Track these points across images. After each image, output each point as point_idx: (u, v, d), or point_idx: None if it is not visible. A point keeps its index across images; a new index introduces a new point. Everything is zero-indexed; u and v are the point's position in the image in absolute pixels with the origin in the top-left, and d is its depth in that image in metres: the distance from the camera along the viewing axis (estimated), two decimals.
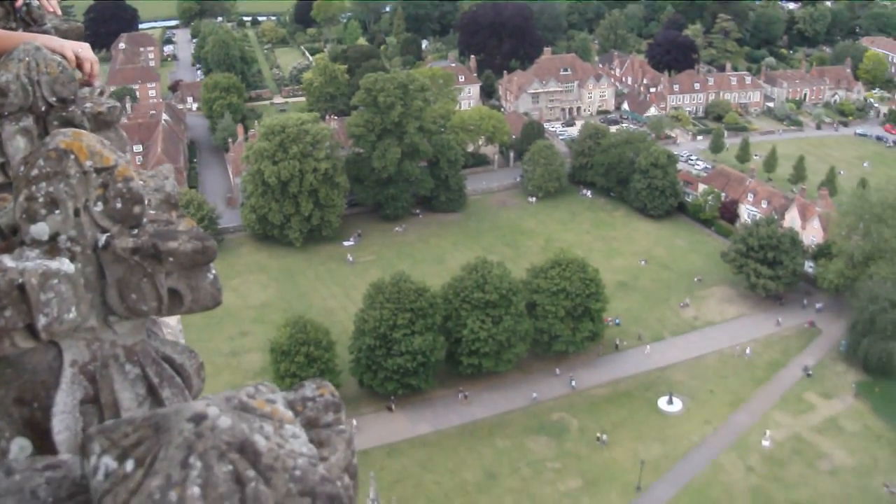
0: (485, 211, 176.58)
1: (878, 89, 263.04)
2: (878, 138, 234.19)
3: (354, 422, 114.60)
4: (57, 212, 5.14)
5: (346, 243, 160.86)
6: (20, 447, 5.37)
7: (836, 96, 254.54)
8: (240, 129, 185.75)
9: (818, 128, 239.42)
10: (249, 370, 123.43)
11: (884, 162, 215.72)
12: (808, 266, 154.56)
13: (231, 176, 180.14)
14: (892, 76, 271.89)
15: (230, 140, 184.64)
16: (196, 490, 3.22)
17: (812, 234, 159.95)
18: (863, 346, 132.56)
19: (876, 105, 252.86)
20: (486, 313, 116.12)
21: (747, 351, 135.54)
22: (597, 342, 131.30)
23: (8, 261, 4.98)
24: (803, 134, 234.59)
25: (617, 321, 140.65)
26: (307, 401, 4.07)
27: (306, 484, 3.42)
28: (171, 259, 5.31)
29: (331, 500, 3.39)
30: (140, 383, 5.65)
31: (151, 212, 5.85)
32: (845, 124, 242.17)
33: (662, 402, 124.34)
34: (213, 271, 5.72)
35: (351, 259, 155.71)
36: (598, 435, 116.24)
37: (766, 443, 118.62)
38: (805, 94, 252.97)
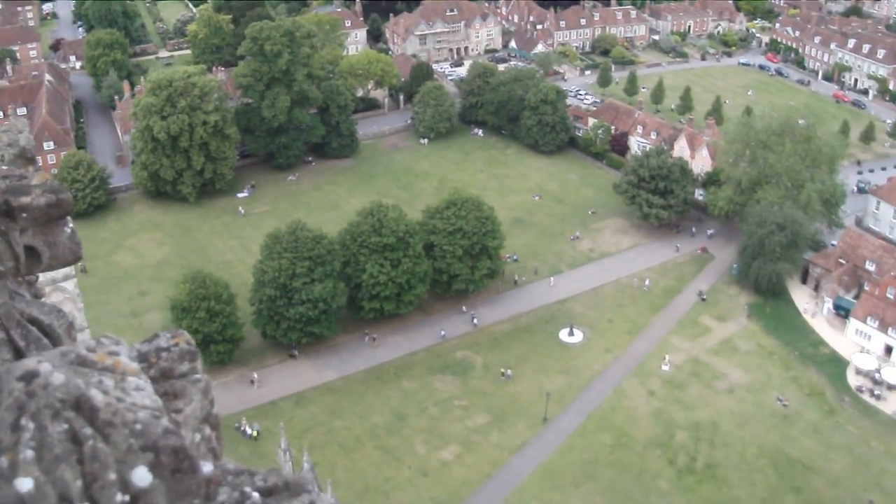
0: (378, 155, 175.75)
1: (759, 20, 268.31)
2: (761, 67, 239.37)
3: (255, 375, 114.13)
4: None
5: (240, 195, 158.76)
6: None
7: (720, 27, 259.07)
8: (126, 85, 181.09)
9: (703, 59, 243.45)
10: (151, 329, 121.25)
11: (767, 90, 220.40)
12: (699, 194, 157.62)
13: (120, 134, 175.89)
14: (773, 6, 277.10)
15: (116, 97, 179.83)
16: (29, 454, 3.00)
17: (701, 163, 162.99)
18: (753, 269, 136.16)
19: (758, 35, 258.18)
20: (385, 257, 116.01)
21: (646, 283, 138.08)
22: (496, 279, 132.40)
23: None
24: (689, 65, 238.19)
25: (514, 257, 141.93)
26: (161, 351, 3.91)
27: (148, 438, 3.23)
28: (24, 215, 5.03)
29: (175, 453, 3.23)
30: (5, 348, 5.40)
31: (4, 167, 5.56)
32: (729, 55, 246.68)
33: (563, 335, 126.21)
34: (70, 225, 5.46)
35: (242, 211, 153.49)
36: (503, 370, 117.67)
37: (665, 367, 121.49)
38: (689, 26, 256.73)
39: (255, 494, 3.49)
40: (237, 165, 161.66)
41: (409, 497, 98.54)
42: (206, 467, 3.40)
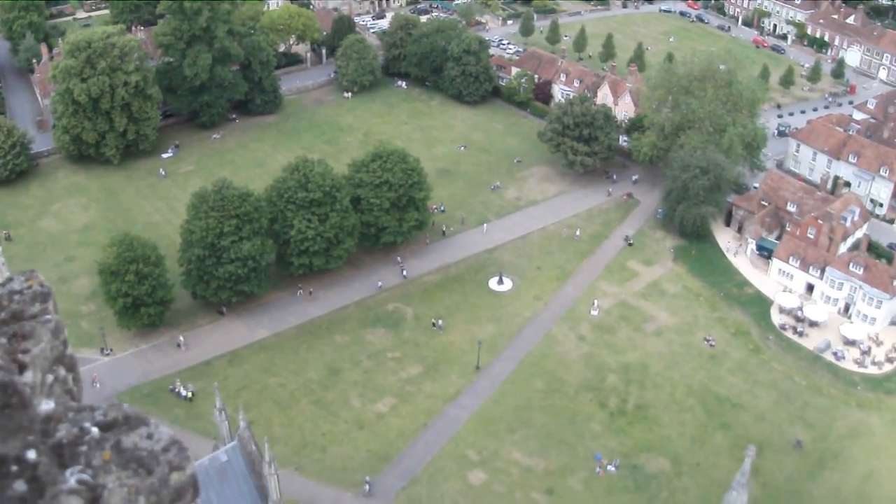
0: (302, 110, 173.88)
1: None
2: (682, 14, 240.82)
3: (181, 337, 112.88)
4: None
5: (164, 156, 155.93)
6: None
7: None
8: (43, 48, 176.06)
9: (624, 6, 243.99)
10: (80, 295, 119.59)
11: (688, 36, 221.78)
12: (622, 140, 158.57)
13: (39, 98, 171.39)
14: None
15: (34, 61, 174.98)
16: None
17: (624, 109, 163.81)
18: (678, 213, 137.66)
19: None
20: (312, 212, 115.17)
21: (577, 233, 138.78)
22: (424, 230, 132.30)
23: None
24: (610, 13, 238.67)
25: (442, 208, 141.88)
26: (14, 294, 3.69)
27: None
28: None
29: (2, 388, 3.05)
30: None
31: None
32: (650, 1, 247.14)
33: (493, 283, 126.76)
34: None
35: (163, 173, 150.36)
36: (434, 321, 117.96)
37: (594, 312, 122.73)
38: None
39: (94, 429, 3.31)
40: (160, 126, 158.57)
41: (346, 450, 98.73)
42: (46, 405, 3.21)
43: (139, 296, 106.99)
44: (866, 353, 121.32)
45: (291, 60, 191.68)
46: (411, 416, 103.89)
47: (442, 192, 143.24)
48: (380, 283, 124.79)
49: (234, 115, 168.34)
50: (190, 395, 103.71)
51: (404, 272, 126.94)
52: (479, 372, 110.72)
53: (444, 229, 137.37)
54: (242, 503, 71.04)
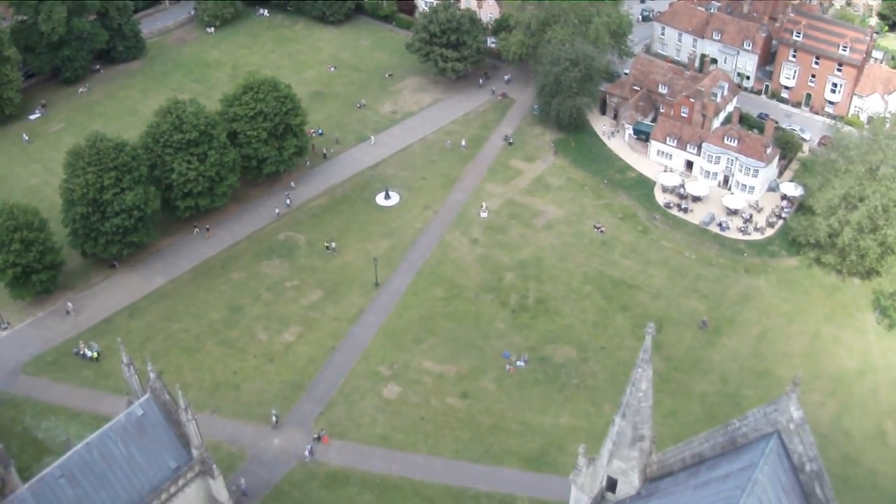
0: (166, 52, 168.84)
1: None
2: None
3: (70, 304, 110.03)
4: None
5: (31, 117, 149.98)
6: None
7: None
8: None
9: None
10: None
11: None
12: (491, 42, 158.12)
13: None
14: None
15: None
16: None
17: (489, 11, 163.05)
18: (553, 107, 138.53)
19: None
20: (190, 153, 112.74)
21: (463, 143, 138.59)
22: (304, 156, 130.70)
23: None
24: None
25: (319, 131, 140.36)
26: None
27: None
28: None
29: None
30: None
31: None
32: None
33: (380, 199, 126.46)
34: None
35: (27, 139, 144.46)
36: (327, 244, 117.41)
37: (483, 214, 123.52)
38: None
39: None
40: (23, 87, 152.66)
41: (259, 385, 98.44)
42: None
43: (28, 263, 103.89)
44: (748, 220, 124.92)
45: (149, 2, 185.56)
46: (318, 341, 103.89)
47: (317, 116, 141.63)
48: (277, 211, 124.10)
49: (97, 66, 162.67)
50: (95, 354, 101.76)
51: (288, 201, 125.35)
52: (379, 288, 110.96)
53: (324, 152, 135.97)
54: (165, 454, 70.75)
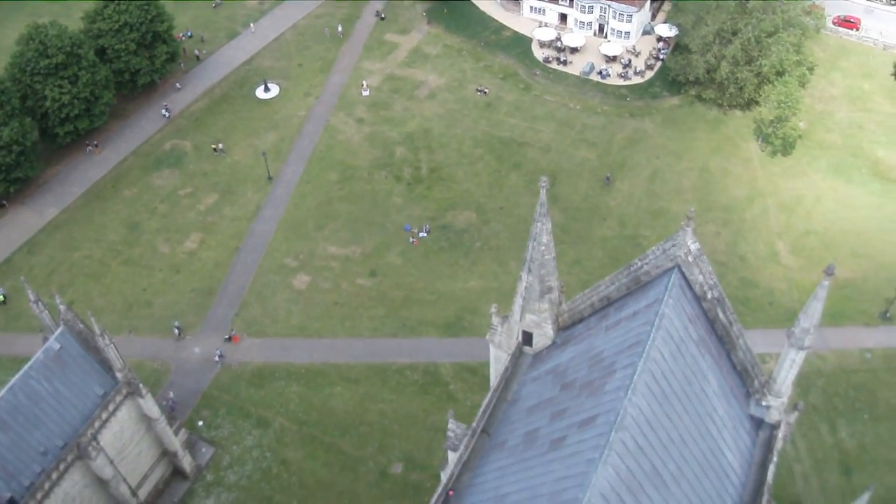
0: None
1: None
2: None
3: None
4: None
5: None
6: None
7: None
8: None
9: None
10: None
11: None
12: None
13: None
14: None
15: None
16: None
17: None
18: None
19: None
20: (60, 77, 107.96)
21: (339, 28, 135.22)
22: (177, 61, 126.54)
23: None
24: None
25: (188, 34, 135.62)
26: None
27: None
28: None
29: None
30: None
31: None
32: None
33: (260, 92, 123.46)
34: None
35: None
36: (214, 146, 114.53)
37: (365, 93, 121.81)
38: None
39: None
40: None
41: (171, 297, 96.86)
42: None
43: None
44: (627, 66, 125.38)
45: None
46: (221, 244, 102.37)
47: (184, 19, 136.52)
48: (166, 114, 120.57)
49: None
50: (1, 298, 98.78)
51: (165, 111, 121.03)
52: (273, 182, 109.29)
53: (196, 54, 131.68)
54: (89, 382, 69.65)
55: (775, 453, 43.48)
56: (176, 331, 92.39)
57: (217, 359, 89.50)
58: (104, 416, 69.82)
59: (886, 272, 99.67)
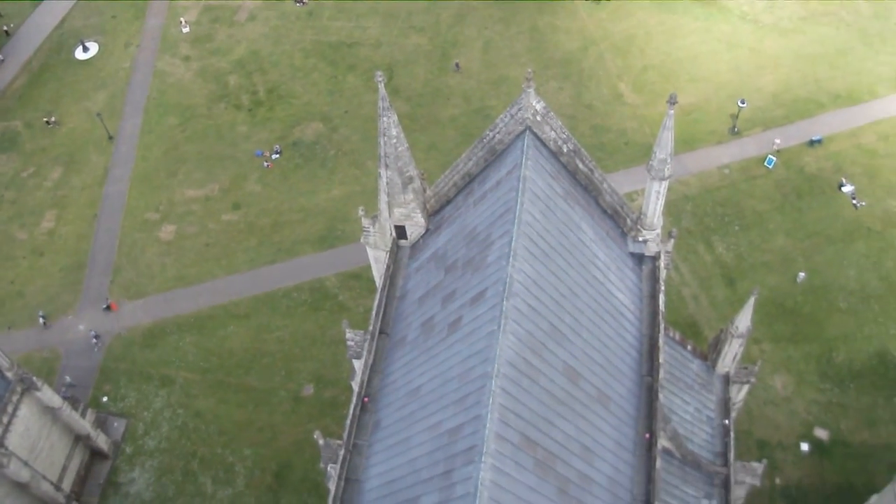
0: None
1: None
2: None
3: None
4: None
5: None
6: None
7: None
8: None
9: None
10: None
11: None
12: None
13: None
14: None
15: None
16: None
17: None
18: None
19: None
20: None
21: None
22: None
23: None
24: None
25: None
26: None
27: None
28: None
29: None
30: None
31: None
32: None
33: (79, 53, 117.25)
34: None
35: None
36: (46, 119, 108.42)
37: (185, 30, 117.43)
38: None
39: None
40: None
41: (41, 282, 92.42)
42: None
43: None
44: None
45: None
46: (78, 215, 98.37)
47: None
48: None
49: None
50: None
51: None
52: (114, 140, 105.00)
53: (5, 29, 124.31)
54: None
55: (661, 283, 44.36)
56: (41, 320, 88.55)
57: (94, 340, 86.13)
58: (5, 419, 67.01)
59: (726, 90, 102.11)
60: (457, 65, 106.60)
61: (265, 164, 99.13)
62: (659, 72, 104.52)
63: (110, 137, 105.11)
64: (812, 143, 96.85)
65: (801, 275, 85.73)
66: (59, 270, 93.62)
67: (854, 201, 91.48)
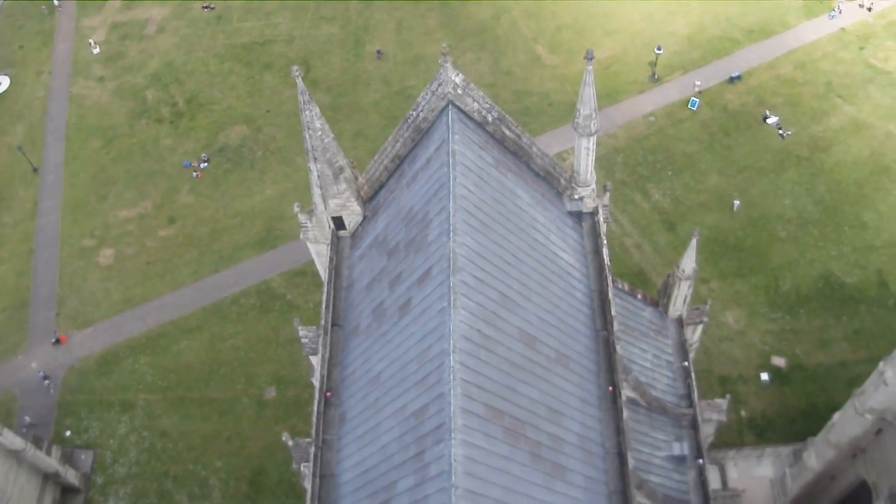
0: None
1: None
2: None
3: None
4: None
5: None
6: None
7: None
8: None
9: None
10: None
11: None
12: None
13: None
14: None
15: None
16: None
17: None
18: None
19: None
20: None
21: (42, 8, 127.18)
22: None
23: None
24: None
25: None
26: None
27: None
28: None
29: None
30: None
31: None
32: None
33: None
34: None
35: None
36: None
37: (95, 50, 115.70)
38: None
39: None
40: None
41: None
42: None
43: None
44: None
45: None
46: (14, 253, 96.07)
47: None
48: None
49: None
50: None
51: None
52: (40, 172, 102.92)
53: None
54: None
55: (603, 237, 44.55)
56: None
57: (45, 381, 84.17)
58: None
59: (641, 39, 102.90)
60: (378, 52, 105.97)
61: (194, 174, 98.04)
62: (573, 30, 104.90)
63: (35, 169, 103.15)
64: (732, 79, 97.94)
65: (737, 203, 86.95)
66: (1, 311, 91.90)
67: (780, 131, 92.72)
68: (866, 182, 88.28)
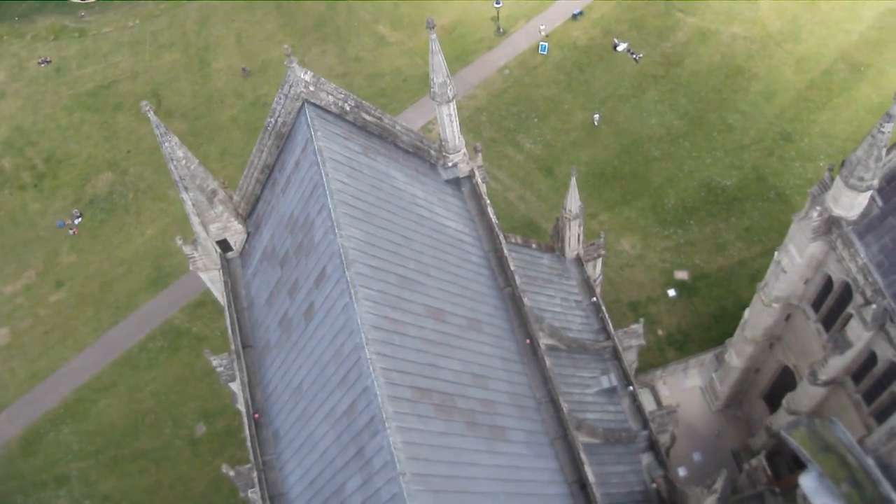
0: None
1: None
2: None
3: None
4: None
5: None
6: None
7: None
8: None
9: None
10: None
11: None
12: None
13: None
14: None
15: None
16: None
17: None
18: None
19: None
20: None
21: None
22: None
23: None
24: None
25: None
26: None
27: None
28: None
29: None
30: None
31: None
32: None
33: None
34: None
35: None
36: None
37: None
38: None
39: None
40: None
41: None
42: None
43: None
44: None
45: None
46: None
47: None
48: None
49: None
50: None
51: None
52: None
53: None
54: None
55: (485, 197, 44.85)
56: None
57: None
58: None
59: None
60: (244, 69, 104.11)
61: (71, 231, 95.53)
62: (411, 4, 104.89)
63: None
64: (575, 16, 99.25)
65: (597, 116, 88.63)
66: None
67: (632, 56, 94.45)
68: (723, 86, 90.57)
